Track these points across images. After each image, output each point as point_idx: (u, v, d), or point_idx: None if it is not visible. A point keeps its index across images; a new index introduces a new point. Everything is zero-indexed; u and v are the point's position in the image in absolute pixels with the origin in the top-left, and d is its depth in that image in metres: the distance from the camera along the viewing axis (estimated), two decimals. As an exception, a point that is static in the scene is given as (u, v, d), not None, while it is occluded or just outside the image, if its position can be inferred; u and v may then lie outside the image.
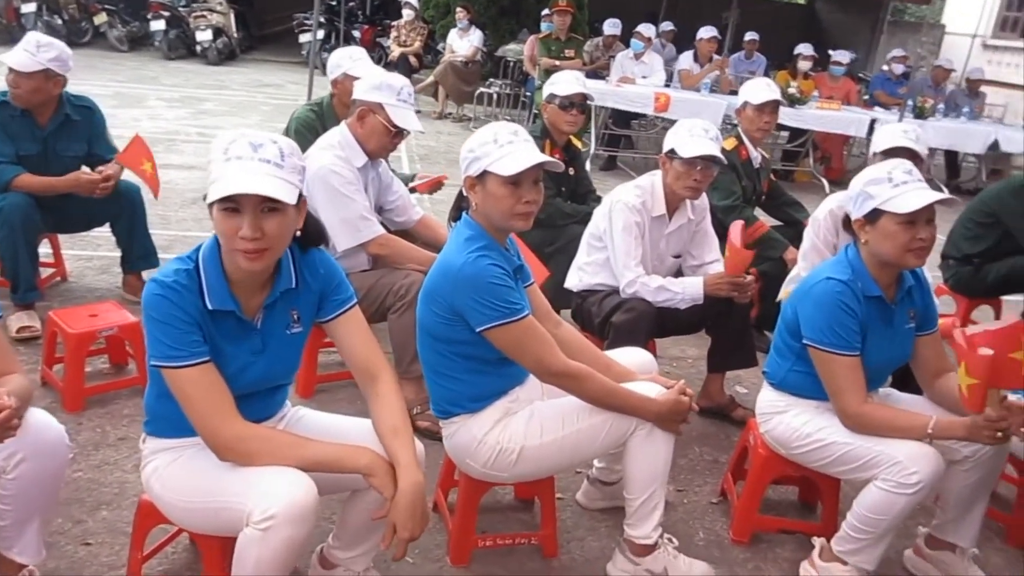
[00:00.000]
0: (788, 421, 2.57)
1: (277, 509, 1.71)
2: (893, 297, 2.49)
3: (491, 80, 11.05)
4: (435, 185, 4.17)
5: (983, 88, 10.35)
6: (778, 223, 4.68)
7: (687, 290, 3.19)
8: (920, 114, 8.80)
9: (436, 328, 2.27)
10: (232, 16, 13.73)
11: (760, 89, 4.20)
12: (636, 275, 3.19)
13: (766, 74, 10.17)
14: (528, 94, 10.19)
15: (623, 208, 3.21)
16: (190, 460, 1.94)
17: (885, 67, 10.78)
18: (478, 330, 2.19)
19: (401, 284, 3.10)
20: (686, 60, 9.14)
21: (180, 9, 13.34)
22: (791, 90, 8.59)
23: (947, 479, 2.45)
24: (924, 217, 2.35)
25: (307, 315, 2.01)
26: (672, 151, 3.18)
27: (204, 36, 13.04)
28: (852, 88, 9.89)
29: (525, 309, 2.21)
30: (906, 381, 2.78)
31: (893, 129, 3.43)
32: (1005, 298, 4.81)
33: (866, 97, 10.04)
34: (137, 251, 4.05)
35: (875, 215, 2.41)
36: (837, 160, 9.77)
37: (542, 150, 3.98)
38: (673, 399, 2.31)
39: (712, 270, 3.41)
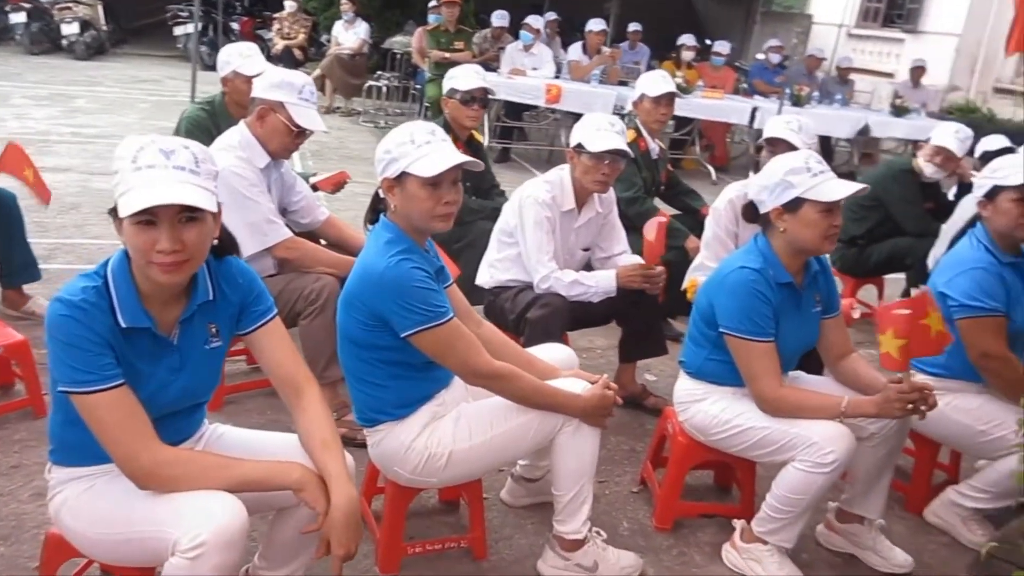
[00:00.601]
0: (706, 408, 2.64)
1: (207, 535, 1.63)
2: (801, 283, 2.58)
3: (379, 73, 10.91)
4: (338, 183, 4.07)
5: (851, 75, 10.89)
6: (676, 212, 4.79)
7: (600, 283, 3.23)
8: (797, 102, 9.17)
9: (359, 335, 2.21)
10: (100, 8, 13.01)
11: (657, 82, 4.28)
12: (550, 270, 3.20)
13: (650, 64, 10.43)
14: (418, 87, 10.09)
15: (533, 203, 3.21)
16: (104, 488, 1.82)
17: (760, 56, 11.20)
18: (403, 335, 2.14)
19: (312, 288, 3.01)
20: (575, 52, 9.23)
21: (43, 1, 12.55)
22: (677, 80, 8.77)
23: (855, 455, 2.54)
24: (838, 205, 2.45)
25: (226, 328, 1.92)
26: (580, 145, 3.20)
27: (70, 29, 12.30)
28: (732, 77, 10.24)
29: (449, 312, 2.18)
30: (805, 363, 2.88)
31: (777, 120, 3.57)
32: (887, 277, 5.08)
33: (745, 86, 10.40)
34: (17, 263, 3.79)
35: (796, 204, 2.48)
36: (721, 148, 10.09)
37: (445, 146, 3.97)
38: (599, 394, 2.32)
39: (621, 261, 3.45)
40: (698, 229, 4.63)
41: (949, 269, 2.87)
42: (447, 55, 8.87)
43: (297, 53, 11.33)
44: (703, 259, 3.60)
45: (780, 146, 3.33)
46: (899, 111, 9.76)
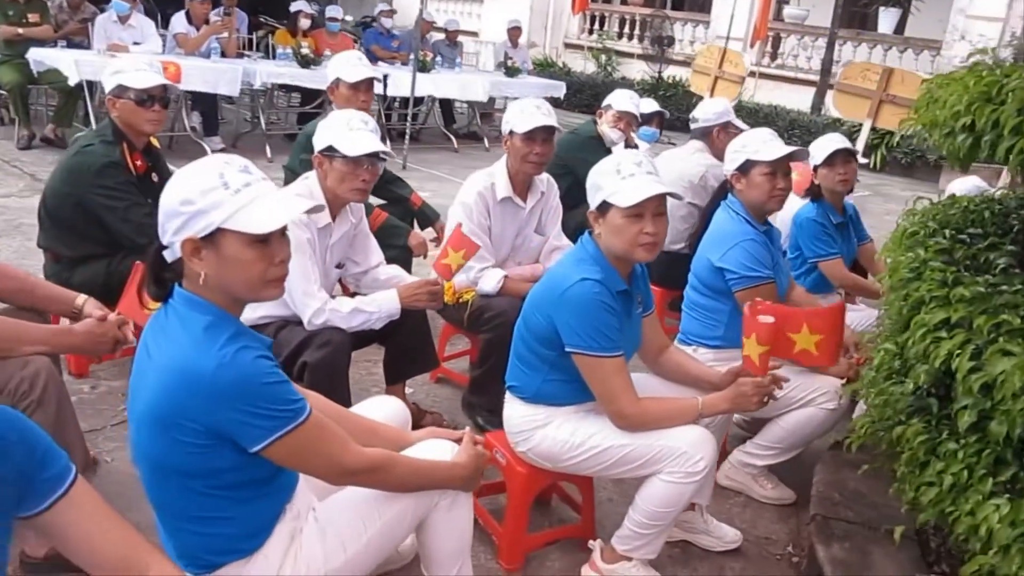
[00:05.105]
0: (553, 434, 2.40)
1: None
2: (630, 287, 2.43)
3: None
4: None
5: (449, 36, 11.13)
6: (382, 201, 4.44)
7: (383, 307, 2.80)
8: (423, 68, 9.09)
9: (186, 462, 1.59)
10: None
11: (355, 66, 3.88)
12: (322, 302, 2.69)
13: (249, 32, 9.73)
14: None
15: (290, 224, 2.66)
16: None
17: (367, 18, 10.96)
18: (254, 450, 1.59)
19: (21, 378, 2.19)
20: (180, 23, 8.17)
21: None
22: (304, 51, 8.27)
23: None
24: (652, 210, 2.27)
25: None
26: (331, 148, 2.72)
27: None
28: (349, 43, 9.87)
29: (307, 405, 1.67)
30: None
31: (526, 107, 3.32)
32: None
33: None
34: None
35: (604, 208, 2.31)
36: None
37: (120, 156, 3.21)
38: (473, 455, 1.98)
39: (382, 274, 3.06)
40: (409, 217, 4.38)
41: (720, 244, 2.93)
42: (21, 31, 7.36)
43: None
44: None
45: (539, 134, 3.17)
46: (511, 71, 10.21)
